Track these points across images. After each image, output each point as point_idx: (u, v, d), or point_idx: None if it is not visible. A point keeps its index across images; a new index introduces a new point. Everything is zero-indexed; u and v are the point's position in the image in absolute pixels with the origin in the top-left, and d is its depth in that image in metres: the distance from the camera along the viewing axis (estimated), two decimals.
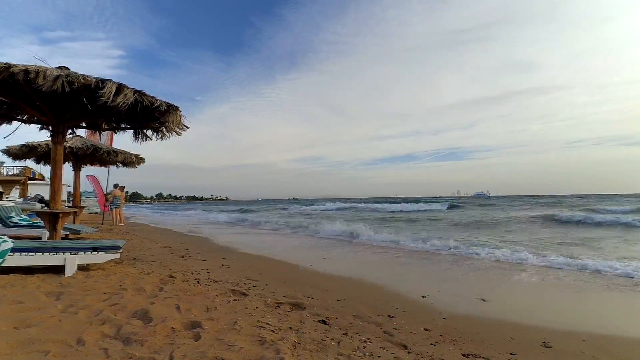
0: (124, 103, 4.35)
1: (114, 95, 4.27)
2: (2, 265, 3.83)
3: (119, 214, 13.20)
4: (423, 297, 3.90)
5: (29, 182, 24.65)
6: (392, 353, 2.24)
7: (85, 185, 15.63)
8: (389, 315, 3.12)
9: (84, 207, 14.33)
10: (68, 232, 7.28)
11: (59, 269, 4.06)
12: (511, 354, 2.39)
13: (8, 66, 3.85)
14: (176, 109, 5.07)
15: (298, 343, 2.27)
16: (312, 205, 43.60)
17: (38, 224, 7.06)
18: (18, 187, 22.00)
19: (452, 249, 7.58)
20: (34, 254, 4.02)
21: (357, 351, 2.22)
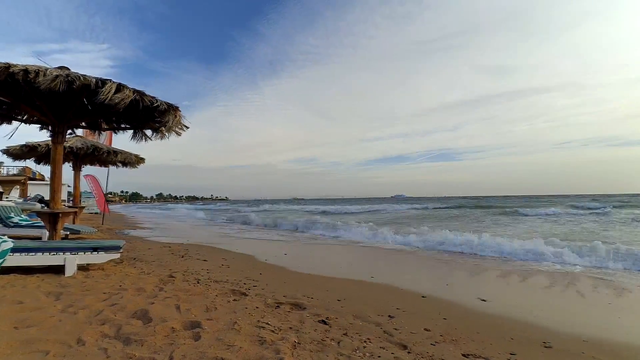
0: (123, 102, 4.35)
1: (113, 95, 4.27)
2: (2, 265, 3.83)
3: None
4: (423, 297, 3.90)
5: (29, 182, 24.67)
6: (392, 353, 2.24)
7: (85, 186, 15.60)
8: (389, 316, 3.11)
9: (84, 207, 14.32)
10: (68, 232, 7.28)
11: (58, 269, 4.06)
12: (511, 354, 2.39)
13: (8, 66, 3.85)
14: (176, 109, 5.07)
15: (298, 343, 2.27)
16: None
17: (38, 224, 7.05)
18: (18, 187, 22.00)
19: None
20: (34, 254, 4.02)
21: (357, 351, 2.22)
